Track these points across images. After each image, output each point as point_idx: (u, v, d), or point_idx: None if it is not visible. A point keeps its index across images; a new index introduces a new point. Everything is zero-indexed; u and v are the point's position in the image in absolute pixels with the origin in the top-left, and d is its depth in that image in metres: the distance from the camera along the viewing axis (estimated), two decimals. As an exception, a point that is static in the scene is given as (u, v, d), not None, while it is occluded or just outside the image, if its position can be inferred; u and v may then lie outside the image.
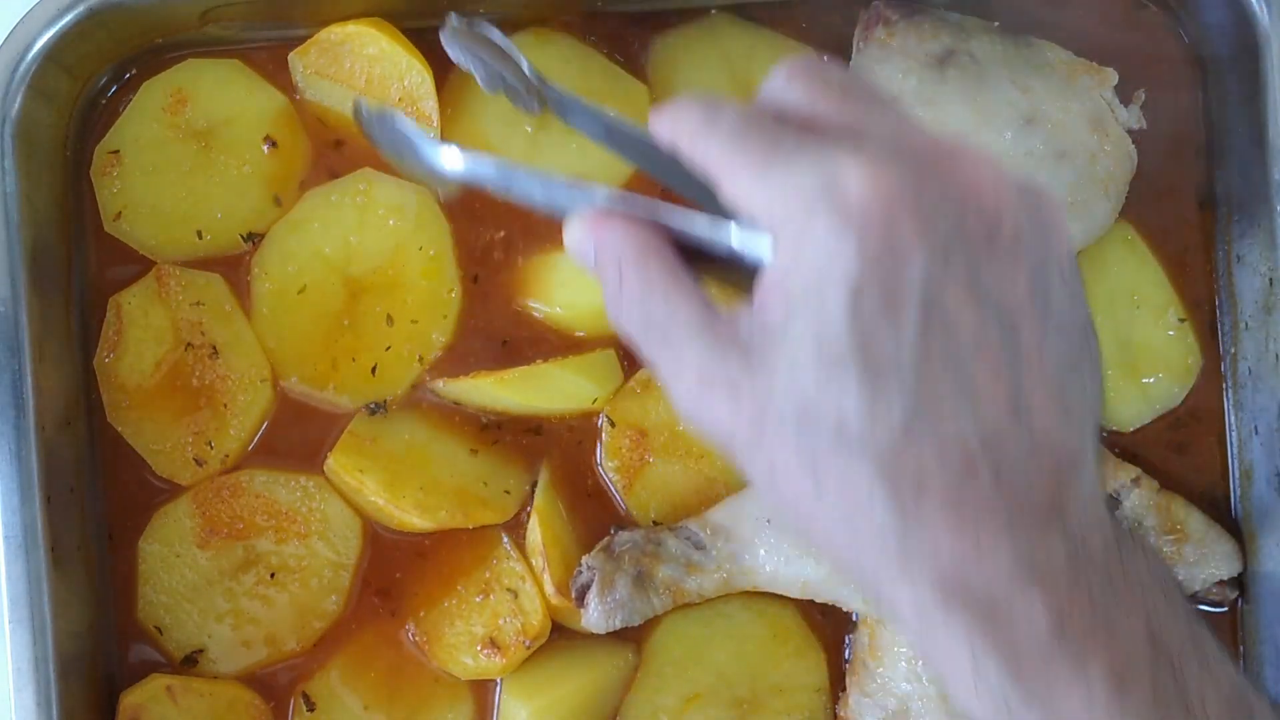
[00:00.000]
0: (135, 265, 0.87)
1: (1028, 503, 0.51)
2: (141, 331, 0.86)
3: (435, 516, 0.84)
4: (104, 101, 0.88)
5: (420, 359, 0.87)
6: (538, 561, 0.84)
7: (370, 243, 0.87)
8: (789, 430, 0.51)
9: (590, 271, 0.58)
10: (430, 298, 0.87)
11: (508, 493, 0.86)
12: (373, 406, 0.86)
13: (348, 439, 0.86)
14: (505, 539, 0.86)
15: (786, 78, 0.56)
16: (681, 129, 0.56)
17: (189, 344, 0.86)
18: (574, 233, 0.58)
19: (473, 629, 0.84)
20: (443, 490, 0.85)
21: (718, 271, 0.57)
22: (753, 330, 0.53)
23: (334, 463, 0.85)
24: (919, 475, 0.50)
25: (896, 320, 0.50)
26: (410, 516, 0.84)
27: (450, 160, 0.63)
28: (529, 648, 0.83)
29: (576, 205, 0.59)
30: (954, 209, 0.51)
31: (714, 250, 0.56)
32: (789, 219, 0.51)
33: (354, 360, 0.87)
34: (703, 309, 0.55)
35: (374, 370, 0.87)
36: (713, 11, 0.90)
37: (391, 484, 0.84)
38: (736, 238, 0.55)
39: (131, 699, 0.83)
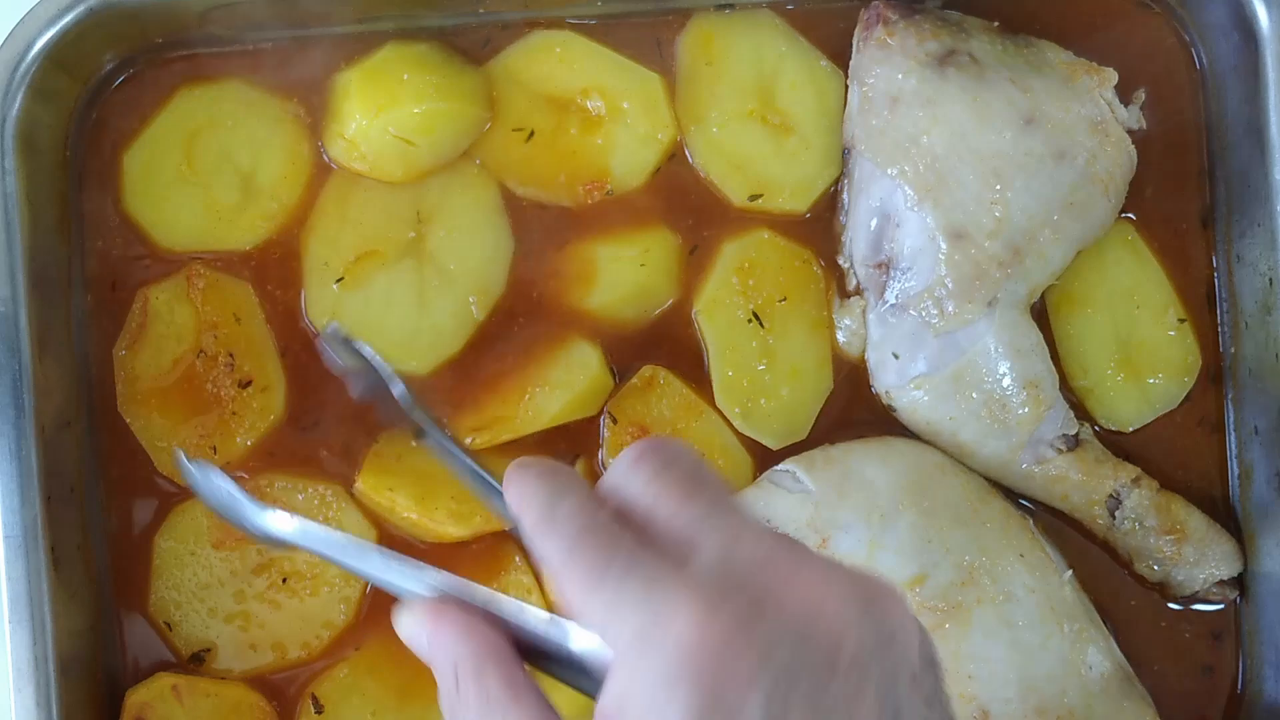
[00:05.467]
0: (136, 265, 0.87)
1: None
2: (165, 328, 0.86)
3: (470, 523, 0.84)
4: (104, 102, 0.88)
5: None
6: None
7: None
8: None
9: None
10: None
11: None
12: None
13: (373, 460, 0.85)
14: (517, 557, 0.86)
15: (631, 463, 0.53)
16: (525, 512, 0.53)
17: (203, 351, 0.86)
18: (406, 623, 0.56)
19: (477, 638, 0.84)
20: (473, 498, 0.84)
21: (557, 667, 0.55)
22: None
23: (363, 485, 0.85)
24: None
25: None
26: (445, 527, 0.84)
27: (278, 523, 0.61)
28: (531, 659, 0.83)
29: (410, 588, 0.56)
30: (790, 639, 0.48)
31: (553, 649, 0.54)
32: (619, 651, 0.49)
33: None
34: None
35: None
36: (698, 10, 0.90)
37: (423, 498, 0.84)
38: (575, 642, 0.53)
39: (137, 697, 0.83)
